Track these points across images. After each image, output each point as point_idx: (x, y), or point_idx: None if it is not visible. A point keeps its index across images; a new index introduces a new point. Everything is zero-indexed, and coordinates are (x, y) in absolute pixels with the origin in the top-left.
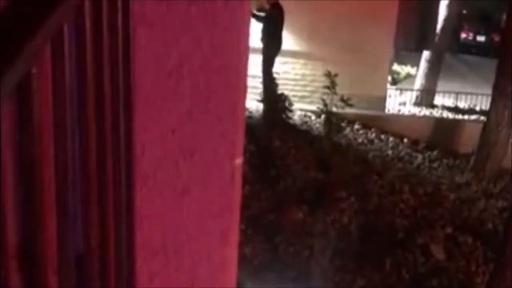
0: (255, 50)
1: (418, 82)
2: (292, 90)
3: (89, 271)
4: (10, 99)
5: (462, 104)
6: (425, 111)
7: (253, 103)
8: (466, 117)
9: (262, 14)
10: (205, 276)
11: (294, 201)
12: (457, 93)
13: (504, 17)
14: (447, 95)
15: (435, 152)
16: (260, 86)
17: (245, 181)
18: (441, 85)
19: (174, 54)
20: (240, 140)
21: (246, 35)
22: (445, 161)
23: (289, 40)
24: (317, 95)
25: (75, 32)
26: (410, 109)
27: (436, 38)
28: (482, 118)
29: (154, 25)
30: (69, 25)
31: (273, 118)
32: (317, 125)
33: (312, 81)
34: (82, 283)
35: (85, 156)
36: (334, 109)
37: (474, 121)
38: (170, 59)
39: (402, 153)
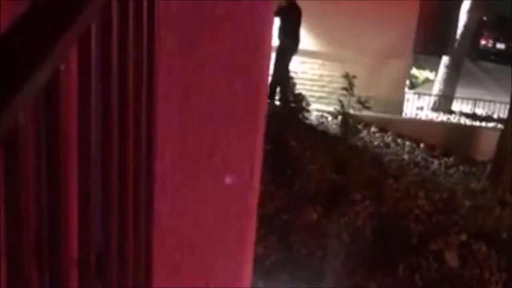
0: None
1: (437, 87)
2: (309, 90)
3: (108, 268)
4: (40, 95)
5: (480, 111)
6: (443, 117)
7: (270, 102)
8: (483, 124)
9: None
10: (221, 276)
11: (309, 201)
12: (475, 100)
13: None
14: (465, 101)
15: (451, 159)
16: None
17: (260, 180)
18: (459, 91)
19: (197, 54)
20: (259, 142)
21: (270, 36)
22: (461, 167)
23: (308, 40)
24: (335, 96)
25: (102, 31)
26: (427, 114)
27: (456, 44)
28: (500, 126)
29: (179, 25)
30: (97, 24)
31: (289, 117)
32: (334, 126)
33: (329, 82)
34: (101, 279)
35: (107, 154)
36: (351, 111)
37: (491, 128)
38: (193, 58)
39: (418, 158)
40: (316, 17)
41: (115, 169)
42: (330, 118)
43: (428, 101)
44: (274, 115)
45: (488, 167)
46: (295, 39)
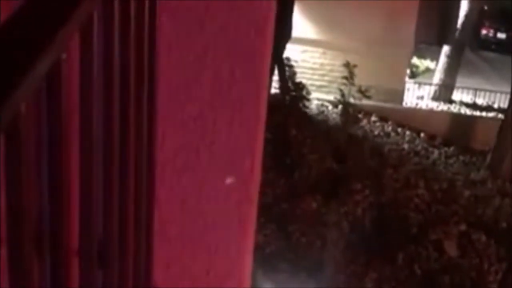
0: None
1: (437, 77)
2: (309, 79)
3: (108, 257)
4: (41, 84)
5: (480, 101)
6: (443, 106)
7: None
8: (484, 114)
9: None
10: (221, 264)
11: (309, 191)
12: (475, 90)
13: None
14: (465, 91)
15: (451, 148)
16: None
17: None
18: (460, 81)
19: (198, 42)
20: (261, 129)
21: (271, 23)
22: (461, 157)
23: (308, 29)
24: (335, 85)
25: (104, 20)
26: (428, 104)
27: (457, 33)
28: (500, 115)
29: (179, 13)
30: (98, 12)
31: (289, 106)
32: (334, 115)
33: (330, 71)
34: (102, 267)
35: (108, 142)
36: (352, 100)
37: (491, 118)
38: (194, 47)
39: (418, 148)
40: (317, 6)
41: (116, 158)
42: (330, 107)
43: (428, 91)
44: (274, 104)
45: (488, 157)
46: (288, 26)
